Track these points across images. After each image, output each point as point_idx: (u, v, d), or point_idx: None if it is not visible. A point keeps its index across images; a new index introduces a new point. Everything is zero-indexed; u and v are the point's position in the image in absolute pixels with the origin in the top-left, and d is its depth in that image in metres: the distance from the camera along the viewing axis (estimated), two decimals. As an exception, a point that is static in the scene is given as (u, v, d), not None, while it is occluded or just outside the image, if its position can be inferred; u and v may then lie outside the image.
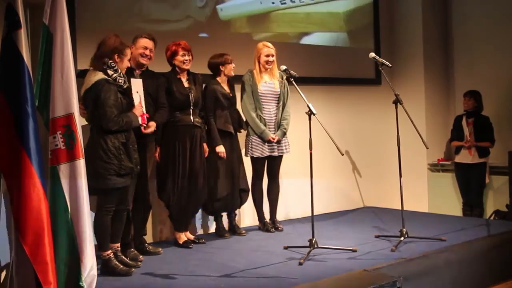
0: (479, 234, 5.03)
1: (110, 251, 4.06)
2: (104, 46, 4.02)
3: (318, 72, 6.40)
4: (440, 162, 6.97)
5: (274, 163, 5.36)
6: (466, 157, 6.33)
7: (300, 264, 4.19)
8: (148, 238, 5.11)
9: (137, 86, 4.31)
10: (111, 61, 4.02)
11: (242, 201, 5.33)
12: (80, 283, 3.30)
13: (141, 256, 4.43)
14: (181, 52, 4.79)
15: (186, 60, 4.81)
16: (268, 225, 5.44)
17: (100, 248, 4.03)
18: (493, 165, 6.40)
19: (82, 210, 3.32)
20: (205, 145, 4.96)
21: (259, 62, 5.29)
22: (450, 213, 6.38)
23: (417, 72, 7.02)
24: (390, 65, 4.97)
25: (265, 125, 5.22)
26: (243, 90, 5.29)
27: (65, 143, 3.32)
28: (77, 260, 3.31)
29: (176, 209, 4.82)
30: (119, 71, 4.06)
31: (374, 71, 6.88)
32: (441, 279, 4.39)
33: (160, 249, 4.69)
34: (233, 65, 5.14)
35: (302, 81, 4.83)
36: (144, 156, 4.54)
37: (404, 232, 4.79)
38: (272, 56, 5.26)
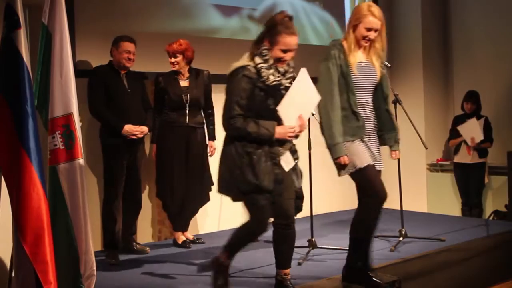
0: (478, 234, 5.04)
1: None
2: (266, 26, 3.22)
3: (317, 72, 6.38)
4: (439, 162, 6.97)
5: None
6: (465, 157, 6.32)
7: (300, 264, 4.19)
8: (148, 238, 5.13)
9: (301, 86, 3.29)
10: (265, 47, 3.22)
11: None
12: (80, 283, 3.30)
13: (147, 248, 4.46)
14: None
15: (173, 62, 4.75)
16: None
17: (230, 255, 3.58)
18: (492, 165, 6.40)
19: (81, 210, 3.32)
20: (211, 142, 4.91)
21: (353, 32, 3.54)
22: (449, 213, 6.39)
23: (417, 72, 7.02)
24: (390, 65, 4.96)
25: (362, 127, 3.54)
26: (326, 72, 3.59)
27: (64, 143, 3.31)
28: (77, 260, 3.31)
29: (173, 209, 4.81)
30: (270, 61, 3.22)
31: (373, 71, 6.87)
32: (440, 279, 4.40)
33: (148, 248, 4.69)
34: None
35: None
36: (135, 156, 4.58)
37: (403, 232, 4.79)
38: (376, 31, 3.49)
